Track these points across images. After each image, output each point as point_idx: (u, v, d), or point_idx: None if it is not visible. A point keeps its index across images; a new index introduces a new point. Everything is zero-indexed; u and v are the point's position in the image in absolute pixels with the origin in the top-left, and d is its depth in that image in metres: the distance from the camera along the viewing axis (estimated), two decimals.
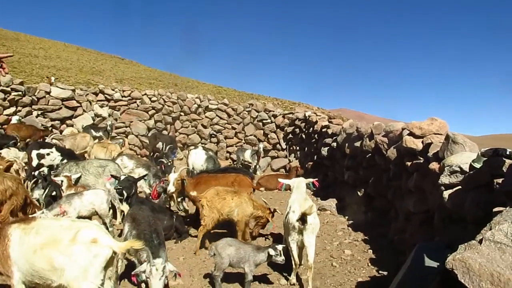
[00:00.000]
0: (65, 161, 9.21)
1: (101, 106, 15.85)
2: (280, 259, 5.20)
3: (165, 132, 16.29)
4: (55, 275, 3.54)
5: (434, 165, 5.50)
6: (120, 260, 5.04)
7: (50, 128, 14.06)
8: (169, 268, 4.14)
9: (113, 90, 16.19)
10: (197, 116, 16.82)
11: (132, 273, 4.22)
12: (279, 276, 5.83)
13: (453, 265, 2.15)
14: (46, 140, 11.36)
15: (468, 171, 4.34)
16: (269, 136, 16.41)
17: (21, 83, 14.25)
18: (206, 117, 16.90)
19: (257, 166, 14.00)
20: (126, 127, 16.01)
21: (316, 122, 13.05)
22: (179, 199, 8.45)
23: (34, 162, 9.01)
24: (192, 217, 8.22)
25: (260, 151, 14.10)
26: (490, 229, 2.36)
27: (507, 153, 3.69)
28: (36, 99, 14.46)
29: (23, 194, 6.07)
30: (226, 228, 7.24)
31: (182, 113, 16.81)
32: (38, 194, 7.26)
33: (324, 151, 11.36)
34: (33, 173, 7.82)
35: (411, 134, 6.73)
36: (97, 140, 12.54)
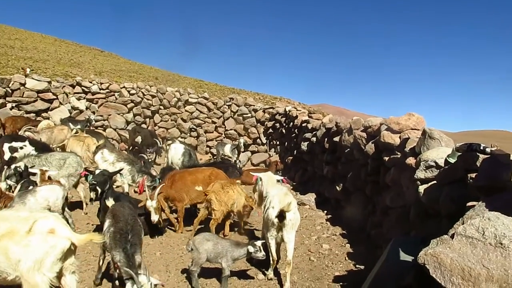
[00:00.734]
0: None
1: (78, 99, 15.51)
2: (261, 255, 5.19)
3: (144, 125, 16.07)
4: (10, 267, 3.41)
5: (410, 160, 5.53)
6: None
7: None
8: (154, 283, 3.97)
9: (91, 82, 15.85)
10: (176, 110, 16.64)
11: None
12: (257, 271, 5.80)
13: (425, 260, 2.14)
14: (19, 133, 11.03)
15: (443, 166, 4.37)
16: (249, 130, 16.36)
17: None
18: (186, 111, 16.72)
19: (237, 161, 13.94)
20: (104, 120, 15.72)
21: (296, 117, 13.07)
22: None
23: (6, 156, 8.71)
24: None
25: (240, 145, 14.04)
26: (462, 224, 2.36)
27: (481, 148, 3.72)
28: (10, 91, 14.05)
29: None
30: (204, 223, 7.17)
31: (161, 107, 16.60)
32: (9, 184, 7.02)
33: (304, 145, 11.38)
34: (5, 166, 7.57)
35: (389, 129, 6.77)
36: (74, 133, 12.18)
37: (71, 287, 3.68)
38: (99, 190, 6.08)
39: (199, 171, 7.56)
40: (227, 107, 16.72)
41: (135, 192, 8.74)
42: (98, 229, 6.00)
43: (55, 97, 14.97)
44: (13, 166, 7.34)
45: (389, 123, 6.79)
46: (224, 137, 16.67)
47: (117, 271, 4.06)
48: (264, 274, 5.66)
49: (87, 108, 15.53)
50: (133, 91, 16.18)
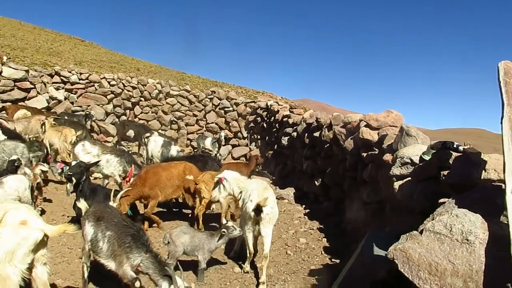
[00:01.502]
0: None
1: (57, 89, 15.13)
2: (236, 232, 5.21)
3: (124, 117, 15.85)
4: None
5: (388, 157, 5.60)
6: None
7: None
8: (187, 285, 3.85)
9: (70, 72, 15.49)
10: (157, 102, 16.45)
11: None
12: (233, 264, 5.82)
13: (394, 255, 2.18)
14: None
15: (418, 163, 4.45)
16: (230, 124, 16.32)
17: None
18: (167, 103, 16.54)
19: (218, 154, 13.91)
20: (82, 111, 15.44)
21: (278, 111, 13.10)
22: None
23: None
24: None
25: (221, 139, 14.00)
26: (432, 220, 2.41)
27: (454, 146, 3.80)
28: None
29: None
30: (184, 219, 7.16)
31: (142, 99, 16.37)
32: None
33: (285, 140, 11.43)
34: None
35: (367, 125, 6.84)
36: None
37: (42, 278, 3.62)
38: (75, 181, 5.97)
39: (172, 166, 7.35)
40: (208, 100, 16.63)
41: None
42: (74, 221, 5.90)
43: (32, 86, 14.56)
44: None
45: (368, 120, 6.86)
46: (205, 130, 16.58)
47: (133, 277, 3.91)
48: (241, 267, 5.69)
49: (65, 99, 15.18)
50: (113, 82, 15.88)
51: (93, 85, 15.68)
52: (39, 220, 3.55)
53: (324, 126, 8.77)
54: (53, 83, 15.15)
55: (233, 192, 5.83)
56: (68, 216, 7.22)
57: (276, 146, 12.56)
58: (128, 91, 16.06)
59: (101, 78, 15.79)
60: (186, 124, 16.64)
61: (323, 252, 6.51)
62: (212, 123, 16.54)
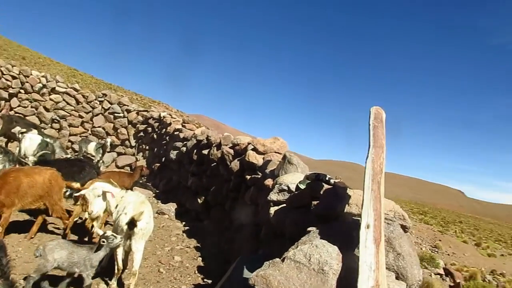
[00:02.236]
0: None
1: None
2: (117, 241, 4.83)
3: None
4: None
5: (269, 182, 5.78)
6: None
7: None
8: None
9: None
10: (39, 97, 15.03)
11: None
12: (99, 281, 5.42)
13: (255, 281, 2.20)
14: None
15: (294, 191, 4.65)
16: (119, 131, 15.55)
17: None
18: (50, 99, 15.20)
19: (101, 161, 13.08)
20: None
21: (170, 124, 12.86)
22: None
23: None
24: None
25: (106, 145, 13.19)
26: (295, 248, 2.51)
27: (326, 178, 4.05)
28: None
29: None
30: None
31: (22, 90, 14.84)
32: None
33: (173, 154, 11.22)
34: None
35: (254, 149, 7.02)
36: None
37: None
38: None
39: (36, 172, 6.49)
40: (98, 102, 15.68)
41: None
42: None
43: None
44: None
45: (255, 144, 7.05)
46: (90, 134, 15.54)
47: None
48: (107, 284, 5.32)
49: None
50: None
51: None
52: None
53: (214, 145, 8.80)
54: None
55: (113, 203, 5.46)
56: None
57: (164, 159, 12.26)
58: (7, 80, 14.49)
59: None
60: (70, 125, 15.44)
61: (196, 272, 6.40)
62: (99, 127, 15.58)
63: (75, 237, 6.67)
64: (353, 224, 2.61)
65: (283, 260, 2.41)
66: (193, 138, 10.28)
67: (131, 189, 9.41)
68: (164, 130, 13.18)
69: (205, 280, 6.16)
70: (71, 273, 4.80)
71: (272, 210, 4.78)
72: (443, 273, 13.67)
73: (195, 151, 9.81)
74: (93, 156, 13.18)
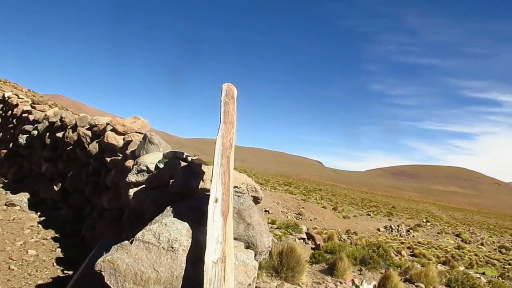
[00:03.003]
0: None
1: None
2: None
3: None
4: None
5: (129, 163, 5.58)
6: None
7: None
8: None
9: None
10: None
11: None
12: None
13: (102, 266, 2.12)
14: None
15: (153, 171, 4.56)
16: None
17: None
18: None
19: None
20: None
21: (17, 105, 11.45)
22: None
23: None
24: None
25: None
26: (146, 228, 2.46)
27: (184, 156, 4.05)
28: None
29: None
30: None
31: None
32: None
33: (22, 139, 10.07)
34: None
35: (114, 130, 6.69)
36: None
37: None
38: None
39: None
40: None
41: None
42: None
43: None
44: None
45: (114, 124, 6.71)
46: None
47: None
48: None
49: None
50: None
51: None
52: None
53: (69, 127, 8.12)
54: None
55: None
56: None
57: (12, 144, 10.93)
58: None
59: None
60: None
61: (55, 264, 5.95)
62: None
63: None
64: (205, 199, 2.65)
65: (131, 242, 2.35)
66: (45, 120, 9.35)
67: None
68: (10, 112, 11.71)
69: (65, 271, 5.76)
70: None
71: (132, 191, 4.63)
72: (306, 237, 15.00)
73: (48, 134, 8.94)
74: None
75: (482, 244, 38.31)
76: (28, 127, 10.10)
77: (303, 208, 35.23)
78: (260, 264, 6.70)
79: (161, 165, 4.35)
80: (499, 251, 35.29)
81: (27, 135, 10.04)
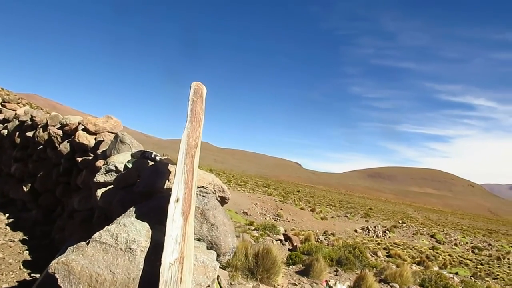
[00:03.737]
0: None
1: None
2: None
3: None
4: None
5: (100, 163, 5.48)
6: None
7: None
8: None
9: None
10: None
11: None
12: None
13: (56, 269, 2.05)
14: None
15: (122, 171, 4.47)
16: None
17: None
18: None
19: None
20: None
21: None
22: None
23: None
24: None
25: None
26: (103, 229, 2.40)
27: (152, 156, 3.99)
28: None
29: None
30: None
31: None
32: None
33: None
34: None
35: (85, 129, 6.58)
36: None
37: None
38: None
39: None
40: None
41: None
42: None
43: None
44: None
45: (86, 124, 6.59)
46: None
47: None
48: None
49: None
50: None
51: None
52: None
53: (39, 126, 7.94)
54: None
55: None
56: None
57: None
58: None
59: None
60: None
61: (22, 267, 5.81)
62: None
63: None
64: (168, 198, 2.60)
65: (88, 243, 2.29)
66: (15, 119, 9.12)
67: None
68: None
69: (32, 274, 5.63)
70: None
71: (99, 192, 4.54)
72: (283, 238, 15.02)
73: (17, 133, 8.73)
74: None
75: (455, 244, 39.14)
76: None
77: (281, 209, 35.32)
78: (235, 265, 6.70)
79: (129, 165, 4.27)
80: (472, 251, 36.15)
81: None
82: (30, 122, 8.43)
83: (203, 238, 2.68)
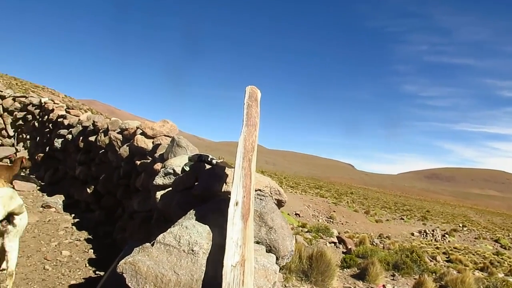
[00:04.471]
0: None
1: None
2: None
3: None
4: None
5: (158, 166, 5.66)
6: None
7: None
8: None
9: None
10: None
11: None
12: None
13: (124, 268, 2.14)
14: None
15: (180, 173, 4.60)
16: None
17: None
18: None
19: None
20: None
21: (53, 110, 11.87)
22: None
23: None
24: None
25: None
26: (167, 231, 2.47)
27: (208, 159, 4.06)
28: None
29: None
30: None
31: None
32: None
33: (58, 142, 10.42)
34: None
35: (143, 133, 6.81)
36: None
37: None
38: None
39: None
40: None
41: None
42: None
43: None
44: None
45: (144, 128, 6.83)
46: None
47: None
48: None
49: None
50: None
51: None
52: None
53: (101, 131, 8.35)
54: None
55: None
56: None
57: (48, 148, 11.33)
58: None
59: None
60: None
61: (87, 265, 6.11)
62: None
63: None
64: (227, 202, 2.64)
65: (153, 245, 2.37)
66: (78, 125, 9.65)
67: (11, 183, 8.62)
68: (46, 117, 12.14)
69: (97, 272, 5.91)
70: None
71: (158, 194, 4.69)
72: (337, 241, 14.78)
73: (81, 138, 9.22)
74: None
75: None
76: (63, 131, 10.45)
77: (334, 211, 34.76)
78: (289, 268, 6.68)
79: (187, 168, 4.38)
80: None
81: (62, 139, 10.38)
82: (92, 127, 8.88)
83: (261, 241, 2.70)
